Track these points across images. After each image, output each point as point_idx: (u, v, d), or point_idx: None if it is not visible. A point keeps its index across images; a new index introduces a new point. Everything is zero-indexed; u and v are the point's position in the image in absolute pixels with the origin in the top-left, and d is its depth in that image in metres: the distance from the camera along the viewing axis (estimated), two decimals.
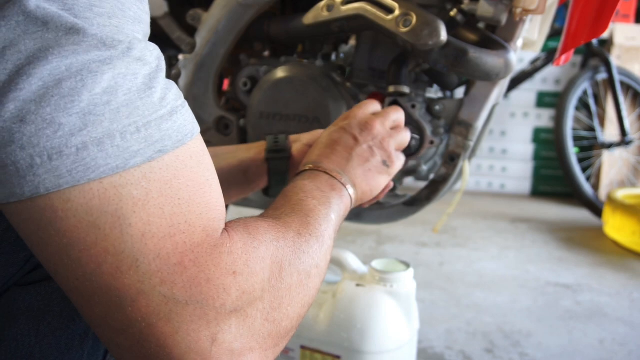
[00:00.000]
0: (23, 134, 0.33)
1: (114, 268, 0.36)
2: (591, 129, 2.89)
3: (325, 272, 0.51)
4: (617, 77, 2.60)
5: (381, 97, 0.97)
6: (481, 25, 0.93)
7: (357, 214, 1.05)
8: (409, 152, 0.92)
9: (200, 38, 1.03)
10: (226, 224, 0.44)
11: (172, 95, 0.39)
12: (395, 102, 0.95)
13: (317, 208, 0.55)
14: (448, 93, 1.17)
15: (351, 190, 0.63)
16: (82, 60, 0.34)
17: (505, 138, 3.22)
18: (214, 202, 0.41)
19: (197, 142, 0.41)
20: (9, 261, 0.47)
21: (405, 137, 0.75)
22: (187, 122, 0.40)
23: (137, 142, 0.36)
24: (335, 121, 0.74)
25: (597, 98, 2.93)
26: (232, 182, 0.77)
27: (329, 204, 0.57)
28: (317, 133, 0.81)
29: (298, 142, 0.79)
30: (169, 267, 0.37)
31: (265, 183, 0.78)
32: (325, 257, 0.51)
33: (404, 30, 0.84)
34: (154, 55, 0.39)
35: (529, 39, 1.07)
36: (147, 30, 0.40)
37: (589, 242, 2.28)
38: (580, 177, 2.58)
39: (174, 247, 0.37)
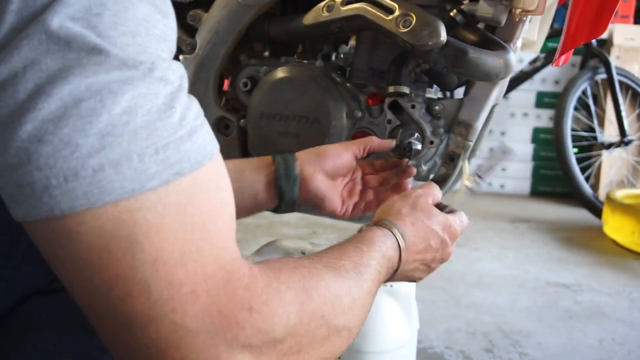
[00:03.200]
0: (40, 154, 0.33)
1: (124, 293, 0.36)
2: (590, 129, 2.90)
3: (353, 339, 0.50)
4: (616, 78, 2.61)
5: (381, 97, 0.97)
6: (481, 25, 0.94)
7: None
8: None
9: (201, 38, 1.03)
10: (255, 264, 0.43)
11: (193, 114, 0.39)
12: (395, 102, 0.95)
13: (377, 280, 0.55)
14: (448, 93, 1.17)
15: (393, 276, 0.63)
16: (102, 80, 0.34)
17: (504, 138, 3.23)
18: (227, 228, 0.40)
19: (216, 163, 0.40)
20: (35, 271, 0.48)
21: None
22: (206, 142, 0.39)
23: (155, 164, 0.36)
24: (440, 208, 0.71)
25: (596, 98, 2.93)
26: (242, 205, 0.76)
27: (382, 281, 0.57)
28: (320, 150, 0.79)
29: (306, 162, 0.77)
30: (181, 295, 0.36)
31: (273, 204, 0.77)
32: (360, 325, 0.51)
33: (403, 30, 0.84)
34: (177, 74, 0.39)
35: (529, 39, 1.07)
36: (173, 48, 0.40)
37: (589, 242, 2.28)
38: (580, 177, 2.58)
39: (185, 275, 0.37)
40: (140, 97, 0.35)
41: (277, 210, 0.78)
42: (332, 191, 0.78)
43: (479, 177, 0.73)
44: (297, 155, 0.77)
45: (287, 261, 0.46)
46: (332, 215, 0.81)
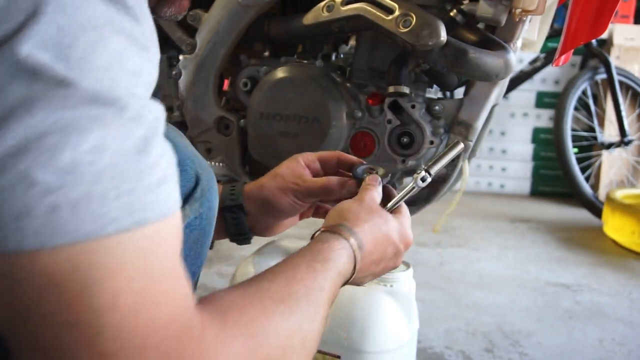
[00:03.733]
0: None
1: (71, 340, 0.33)
2: (590, 129, 2.90)
3: None
4: (616, 78, 2.60)
5: (381, 97, 0.97)
6: (481, 25, 0.94)
7: None
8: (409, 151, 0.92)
9: (201, 38, 1.03)
10: (202, 304, 0.40)
11: (165, 162, 0.37)
12: (395, 102, 0.95)
13: (330, 301, 0.52)
14: (448, 93, 1.17)
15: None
16: (69, 116, 0.32)
17: (504, 138, 3.22)
18: (183, 281, 0.38)
19: (178, 217, 0.38)
20: None
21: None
22: (173, 193, 0.37)
23: (116, 208, 0.33)
24: (400, 214, 0.66)
25: (596, 98, 2.93)
26: None
27: (335, 293, 0.54)
28: (271, 203, 0.73)
29: (258, 221, 0.74)
30: (130, 349, 0.34)
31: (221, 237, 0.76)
32: (311, 355, 0.48)
33: (403, 30, 0.84)
34: (154, 115, 0.36)
35: (529, 39, 1.07)
36: (151, 82, 0.37)
37: (589, 242, 2.28)
38: (580, 177, 2.58)
39: (136, 326, 0.34)
40: (109, 137, 0.33)
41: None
42: (285, 226, 0.78)
43: (427, 172, 0.68)
44: (247, 209, 0.73)
45: (235, 299, 0.42)
46: None
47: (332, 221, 0.60)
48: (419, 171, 0.68)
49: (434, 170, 0.68)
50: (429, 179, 0.68)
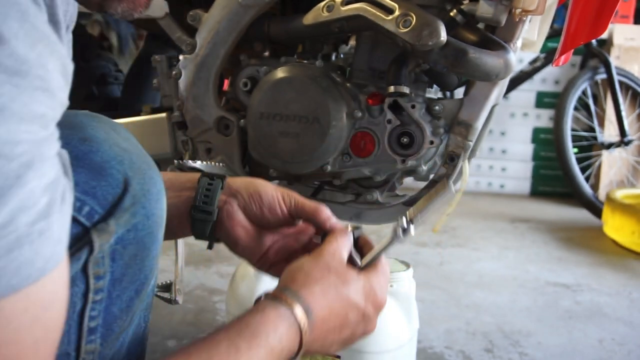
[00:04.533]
0: None
1: None
2: (590, 129, 2.90)
3: None
4: (616, 78, 2.60)
5: (381, 97, 0.97)
6: (481, 25, 0.94)
7: (357, 213, 1.05)
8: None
9: (201, 38, 1.03)
10: None
11: (30, 217, 0.29)
12: (395, 102, 0.95)
13: None
14: (448, 93, 1.17)
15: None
16: None
17: (504, 138, 3.22)
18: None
19: (47, 284, 0.30)
20: None
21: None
22: (38, 255, 0.29)
23: None
24: (363, 276, 0.56)
25: (596, 98, 2.93)
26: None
27: None
28: (257, 190, 0.64)
29: (230, 197, 0.64)
30: None
31: (189, 234, 0.66)
32: None
33: (403, 30, 0.84)
34: (24, 158, 0.28)
35: (529, 39, 1.08)
36: (30, 113, 0.29)
37: (589, 242, 2.28)
38: (580, 177, 2.58)
39: None
40: None
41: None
42: (250, 238, 0.65)
43: (410, 221, 0.56)
44: (229, 183, 0.64)
45: None
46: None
47: (281, 282, 0.53)
48: (400, 219, 0.56)
49: (418, 219, 0.56)
50: (412, 231, 0.56)
